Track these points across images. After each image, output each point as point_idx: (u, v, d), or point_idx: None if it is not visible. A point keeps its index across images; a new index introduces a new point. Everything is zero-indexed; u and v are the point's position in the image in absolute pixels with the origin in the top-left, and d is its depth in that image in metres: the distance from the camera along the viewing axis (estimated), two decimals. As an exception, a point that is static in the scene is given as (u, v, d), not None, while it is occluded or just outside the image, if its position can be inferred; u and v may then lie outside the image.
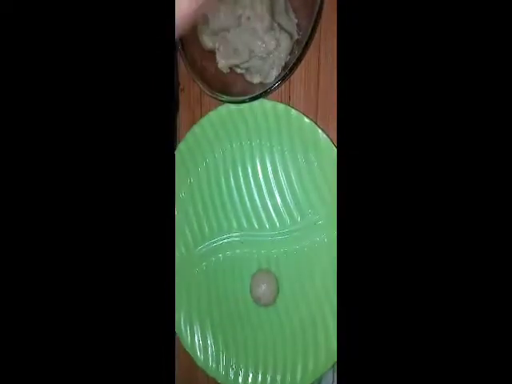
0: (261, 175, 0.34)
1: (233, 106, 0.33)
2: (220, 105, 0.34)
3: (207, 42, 0.31)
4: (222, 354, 0.35)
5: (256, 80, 0.31)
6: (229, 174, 0.35)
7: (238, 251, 0.35)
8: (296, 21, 0.30)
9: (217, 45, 0.30)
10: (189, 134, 0.36)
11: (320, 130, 0.30)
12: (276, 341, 0.33)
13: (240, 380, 0.34)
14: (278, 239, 0.33)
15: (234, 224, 0.35)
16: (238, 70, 0.32)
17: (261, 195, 0.34)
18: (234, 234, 0.35)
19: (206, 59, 0.32)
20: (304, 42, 0.28)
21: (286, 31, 0.29)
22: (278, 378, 0.33)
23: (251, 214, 0.34)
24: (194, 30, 0.32)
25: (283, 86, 0.32)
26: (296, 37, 0.30)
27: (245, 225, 0.35)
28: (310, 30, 0.27)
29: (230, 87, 0.31)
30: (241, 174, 0.34)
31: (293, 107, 0.31)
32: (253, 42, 0.29)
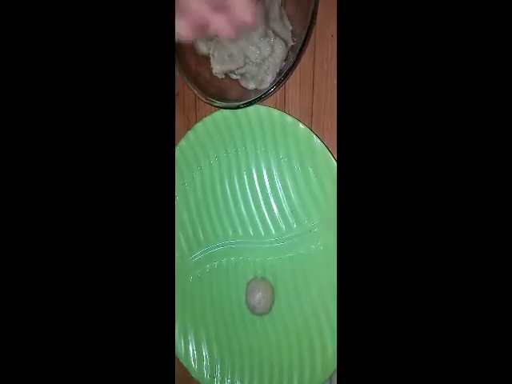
0: (256, 181, 0.33)
1: (228, 112, 0.33)
2: (215, 110, 0.33)
3: (202, 47, 0.31)
4: (217, 364, 0.35)
5: (251, 86, 0.31)
6: (224, 180, 0.34)
7: (232, 259, 0.35)
8: (291, 27, 0.30)
9: (211, 50, 0.30)
10: (183, 140, 0.35)
11: (315, 136, 0.30)
12: (272, 350, 0.33)
13: (235, 391, 0.34)
14: (273, 246, 0.33)
15: (229, 231, 0.35)
16: (233, 76, 0.32)
17: (256, 202, 0.33)
18: (229, 242, 0.35)
19: (200, 65, 0.32)
20: (298, 49, 0.28)
21: (280, 38, 0.29)
22: (274, 388, 0.32)
23: (246, 220, 0.34)
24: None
25: (278, 92, 0.32)
26: (291, 43, 0.30)
27: (240, 232, 0.34)
28: (304, 36, 0.27)
29: (225, 93, 0.31)
30: (236, 180, 0.34)
31: (288, 113, 0.31)
32: (247, 48, 0.29)
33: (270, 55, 0.29)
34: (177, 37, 0.21)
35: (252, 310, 0.33)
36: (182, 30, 0.20)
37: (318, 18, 0.29)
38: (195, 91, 0.31)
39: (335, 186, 0.30)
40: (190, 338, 0.36)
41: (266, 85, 0.30)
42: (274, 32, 0.29)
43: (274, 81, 0.29)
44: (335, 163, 0.30)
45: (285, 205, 0.32)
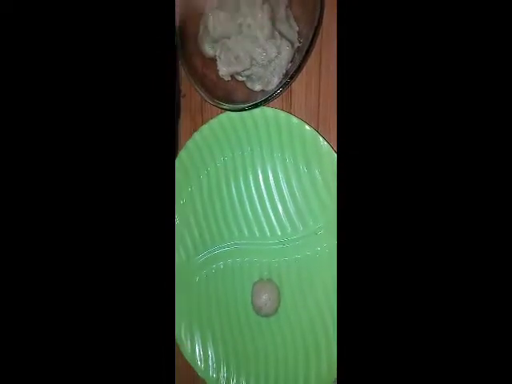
0: (262, 183, 0.33)
1: (234, 114, 0.33)
2: (221, 112, 0.33)
3: (208, 49, 0.31)
4: (223, 364, 0.35)
5: (257, 87, 0.31)
6: (230, 181, 0.35)
7: (238, 260, 0.35)
8: (297, 28, 0.30)
9: (218, 52, 0.30)
10: (190, 142, 0.35)
11: (321, 138, 0.30)
12: (277, 351, 0.33)
13: (241, 391, 0.34)
14: (279, 248, 0.33)
15: (235, 232, 0.35)
16: (239, 78, 0.32)
17: (262, 203, 0.33)
18: (235, 243, 0.35)
19: (206, 67, 0.32)
20: (305, 50, 0.27)
21: (286, 39, 0.29)
22: (280, 389, 0.32)
23: (252, 222, 0.34)
24: (194, 38, 0.32)
25: (284, 94, 0.32)
26: (297, 44, 0.30)
27: (246, 233, 0.34)
28: (310, 37, 0.27)
29: (231, 95, 0.31)
30: (242, 181, 0.34)
31: (294, 115, 0.31)
32: (254, 49, 0.29)
33: (276, 57, 0.29)
34: None
35: (258, 311, 0.33)
36: None
37: (324, 18, 0.29)
38: (201, 93, 0.31)
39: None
40: (196, 337, 0.36)
41: (272, 86, 0.30)
42: (280, 33, 0.29)
43: (280, 82, 0.29)
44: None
45: (290, 206, 0.32)
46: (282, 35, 0.29)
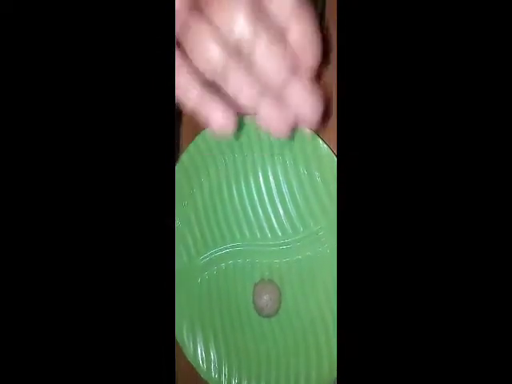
0: (263, 185, 0.34)
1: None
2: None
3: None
4: (225, 364, 0.35)
5: (257, 91, 0.31)
6: (231, 183, 0.35)
7: (240, 261, 0.35)
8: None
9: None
10: (191, 145, 0.36)
11: (321, 141, 0.30)
12: (279, 352, 0.33)
13: (242, 391, 0.34)
14: (280, 249, 0.33)
15: (237, 234, 0.35)
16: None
17: (263, 205, 0.34)
18: (237, 244, 0.35)
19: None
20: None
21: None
22: (281, 389, 0.33)
23: (254, 223, 0.34)
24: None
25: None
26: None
27: (247, 234, 0.35)
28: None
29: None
30: (243, 183, 0.35)
31: (294, 118, 0.31)
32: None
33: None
34: (214, 128, 0.17)
35: (259, 311, 0.33)
36: (223, 120, 0.16)
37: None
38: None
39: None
40: (198, 338, 0.36)
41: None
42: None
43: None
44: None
45: (291, 208, 0.33)
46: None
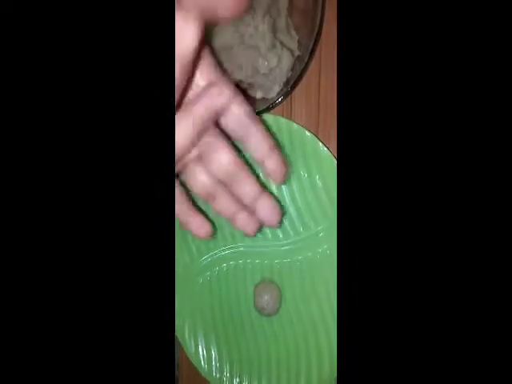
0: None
1: (236, 120, 0.33)
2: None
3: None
4: (226, 364, 0.36)
5: (258, 95, 0.32)
6: (232, 185, 0.35)
7: (241, 261, 0.36)
8: (297, 38, 0.31)
9: (221, 62, 0.31)
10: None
11: (321, 144, 0.31)
12: (279, 351, 0.34)
13: (244, 390, 0.35)
14: (280, 250, 0.34)
15: (238, 235, 0.36)
16: (242, 86, 0.33)
17: (264, 206, 0.34)
18: (238, 245, 0.36)
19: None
20: (305, 59, 0.28)
21: (287, 48, 0.30)
22: (282, 388, 0.33)
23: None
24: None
25: (285, 102, 0.33)
26: (297, 53, 0.31)
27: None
28: (310, 46, 0.28)
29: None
30: (244, 185, 0.35)
31: (294, 121, 0.32)
32: (256, 59, 0.29)
33: (277, 66, 0.30)
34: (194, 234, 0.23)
35: (260, 311, 0.34)
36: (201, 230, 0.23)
37: (324, 28, 0.30)
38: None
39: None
40: (199, 338, 0.37)
41: (273, 94, 0.31)
42: (281, 43, 0.30)
43: (281, 90, 0.30)
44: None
45: (291, 209, 0.33)
46: (283, 45, 0.30)
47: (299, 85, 0.31)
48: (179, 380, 0.38)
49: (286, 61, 0.30)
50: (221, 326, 0.36)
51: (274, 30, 0.30)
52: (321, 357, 0.32)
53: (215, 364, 0.36)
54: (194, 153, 0.21)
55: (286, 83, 0.31)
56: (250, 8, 0.26)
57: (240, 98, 0.20)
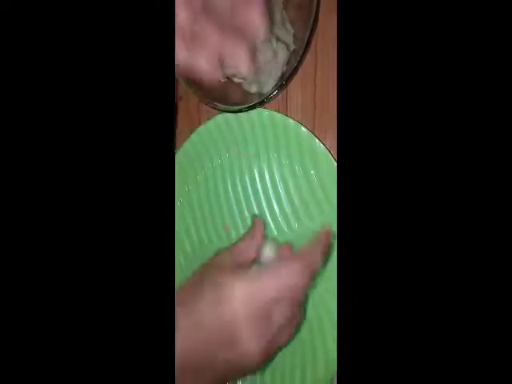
0: (259, 183, 0.34)
1: (230, 115, 0.33)
2: (218, 114, 0.34)
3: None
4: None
5: (253, 89, 0.31)
6: (227, 182, 0.35)
7: (235, 260, 0.35)
8: (292, 31, 0.31)
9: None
10: (187, 143, 0.36)
11: (317, 140, 0.30)
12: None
13: (237, 391, 0.34)
14: (275, 248, 0.33)
15: (232, 233, 0.35)
16: (236, 80, 0.32)
17: (259, 203, 0.34)
18: (232, 243, 0.35)
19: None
20: (300, 53, 0.28)
21: (282, 42, 0.30)
22: (276, 389, 0.32)
23: (249, 222, 0.34)
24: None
25: (280, 96, 0.32)
26: (292, 47, 0.30)
27: (242, 233, 0.35)
28: (306, 40, 0.28)
29: (228, 96, 0.32)
30: (239, 182, 0.34)
31: (290, 117, 0.31)
32: (250, 52, 0.29)
33: (272, 59, 0.29)
34: (200, 76, 0.21)
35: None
36: (203, 65, 0.21)
37: (320, 21, 0.30)
38: (197, 95, 0.31)
39: (336, 188, 0.30)
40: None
41: (268, 88, 0.31)
42: (276, 37, 0.30)
43: (276, 84, 0.30)
44: (336, 166, 0.30)
45: (287, 207, 0.33)
46: (278, 38, 0.30)
47: (295, 79, 0.30)
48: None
49: (282, 55, 0.30)
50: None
51: (269, 24, 0.29)
52: (315, 357, 0.31)
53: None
54: None
55: (281, 77, 0.30)
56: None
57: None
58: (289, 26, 0.31)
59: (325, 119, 0.31)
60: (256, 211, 0.34)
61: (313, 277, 0.24)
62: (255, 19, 0.22)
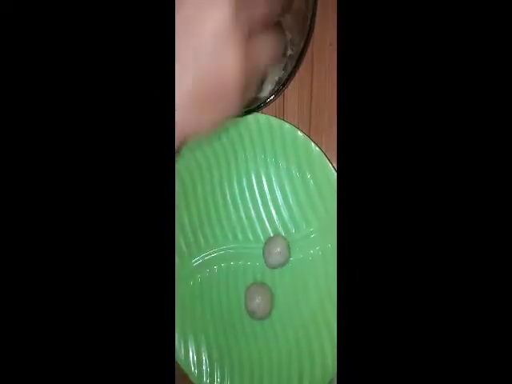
0: (255, 187, 0.34)
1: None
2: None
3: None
4: (217, 369, 0.35)
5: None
6: (224, 186, 0.35)
7: (232, 263, 0.35)
8: (289, 37, 0.31)
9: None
10: (184, 148, 0.36)
11: (313, 143, 0.31)
12: (271, 355, 0.33)
13: (234, 395, 0.34)
14: (272, 251, 0.33)
15: (229, 236, 0.35)
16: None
17: (255, 207, 0.34)
18: (229, 247, 0.35)
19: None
20: (297, 58, 0.28)
21: (279, 47, 0.30)
22: (273, 393, 0.32)
23: (246, 226, 0.34)
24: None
25: (277, 101, 0.32)
26: (289, 52, 0.31)
27: (240, 237, 0.35)
28: (302, 45, 0.28)
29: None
30: (236, 186, 0.35)
31: (286, 121, 0.31)
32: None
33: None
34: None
35: (251, 314, 0.33)
36: None
37: (316, 27, 0.30)
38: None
39: (332, 192, 0.30)
40: (189, 342, 0.36)
41: (265, 93, 0.31)
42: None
43: (273, 89, 0.30)
44: (332, 169, 0.30)
45: (283, 210, 0.33)
46: (275, 43, 0.30)
47: (291, 84, 0.31)
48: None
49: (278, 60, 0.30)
50: (212, 329, 0.35)
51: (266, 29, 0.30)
52: (313, 361, 0.31)
53: (206, 369, 0.35)
54: None
55: (278, 82, 0.30)
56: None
57: None
58: (286, 31, 0.31)
59: (321, 123, 0.31)
60: (253, 214, 0.34)
61: None
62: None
